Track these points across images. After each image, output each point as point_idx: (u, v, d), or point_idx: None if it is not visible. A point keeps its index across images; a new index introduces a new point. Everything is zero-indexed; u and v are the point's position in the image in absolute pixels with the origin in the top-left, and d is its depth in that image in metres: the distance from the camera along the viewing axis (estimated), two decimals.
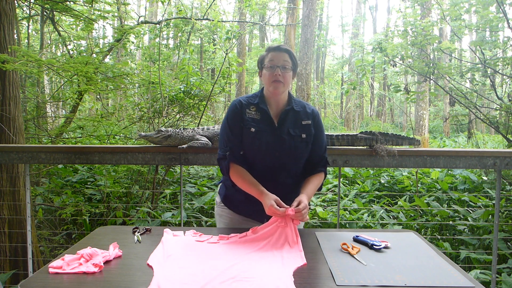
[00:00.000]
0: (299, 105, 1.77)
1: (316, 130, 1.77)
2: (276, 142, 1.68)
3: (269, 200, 1.54)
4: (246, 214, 1.79)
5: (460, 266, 1.39)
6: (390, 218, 4.07)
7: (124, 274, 1.27)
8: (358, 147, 2.38)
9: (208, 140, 2.32)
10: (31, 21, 6.99)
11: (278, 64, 1.66)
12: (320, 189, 1.80)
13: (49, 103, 6.42)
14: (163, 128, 2.38)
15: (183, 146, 2.31)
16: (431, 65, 4.69)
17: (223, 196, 1.86)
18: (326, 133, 2.40)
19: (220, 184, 1.95)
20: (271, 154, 1.67)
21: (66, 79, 4.83)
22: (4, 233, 2.83)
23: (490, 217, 3.65)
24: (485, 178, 4.66)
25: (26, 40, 8.04)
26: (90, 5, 4.65)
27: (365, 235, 1.59)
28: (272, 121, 1.71)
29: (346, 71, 18.02)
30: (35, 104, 5.60)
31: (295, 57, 1.73)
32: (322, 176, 1.80)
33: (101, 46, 6.71)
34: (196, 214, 4.06)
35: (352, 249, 1.47)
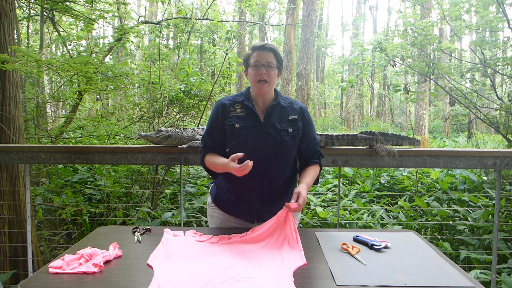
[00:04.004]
0: (286, 101, 1.78)
1: (305, 126, 1.78)
2: (262, 137, 1.69)
3: (229, 163, 1.55)
4: (236, 214, 1.79)
5: (460, 266, 1.39)
6: (390, 218, 4.07)
7: (124, 274, 1.27)
8: (358, 147, 2.38)
9: None
10: (31, 21, 6.99)
11: (263, 63, 1.67)
12: (316, 182, 1.81)
13: (49, 103, 6.42)
14: (163, 128, 2.38)
15: (183, 146, 2.31)
16: (431, 65, 4.69)
17: (214, 196, 1.87)
18: (326, 133, 2.41)
19: (212, 184, 1.96)
20: (257, 150, 1.68)
21: (66, 79, 4.83)
22: (4, 233, 2.83)
23: (490, 217, 3.64)
24: (485, 178, 4.66)
25: (26, 40, 8.03)
26: (90, 5, 4.65)
27: (365, 235, 1.59)
28: (258, 117, 1.72)
29: (346, 69, 18.02)
30: (35, 104, 5.60)
31: (280, 55, 1.74)
32: (317, 167, 1.81)
33: (101, 46, 6.70)
34: (196, 214, 4.06)
35: (352, 249, 1.47)
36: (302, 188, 1.60)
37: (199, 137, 2.34)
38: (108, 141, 4.61)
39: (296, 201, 1.54)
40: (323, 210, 3.98)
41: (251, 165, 1.48)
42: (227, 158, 1.68)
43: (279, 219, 1.54)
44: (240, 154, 1.52)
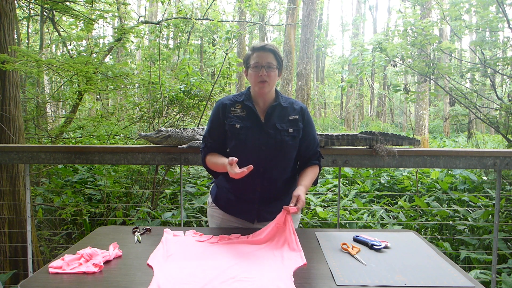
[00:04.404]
0: (286, 102, 1.78)
1: (306, 126, 1.78)
2: (262, 137, 1.69)
3: (227, 166, 1.54)
4: (237, 214, 1.79)
5: (460, 266, 1.39)
6: (390, 218, 4.07)
7: (124, 274, 1.27)
8: (358, 147, 2.38)
9: None
10: (31, 21, 6.99)
11: (263, 64, 1.67)
12: (315, 183, 1.81)
13: (49, 103, 6.42)
14: (163, 128, 2.38)
15: (183, 146, 2.31)
16: (431, 65, 4.68)
17: (214, 196, 1.87)
18: (326, 133, 2.41)
19: (213, 184, 1.96)
20: (257, 149, 1.68)
21: (66, 79, 4.83)
22: (4, 233, 2.83)
23: (490, 217, 3.65)
24: (485, 178, 4.66)
25: (26, 40, 8.04)
26: (90, 5, 4.65)
27: (365, 235, 1.59)
28: (258, 117, 1.72)
29: (346, 69, 18.04)
30: (35, 104, 5.60)
31: (280, 55, 1.74)
32: (317, 168, 1.81)
33: (101, 46, 6.70)
34: (196, 214, 4.06)
35: (352, 249, 1.47)
36: (301, 191, 1.60)
37: (199, 137, 2.34)
38: (108, 141, 4.61)
39: (295, 204, 1.54)
40: (323, 210, 3.98)
41: (248, 171, 1.48)
42: (228, 158, 1.69)
43: (278, 223, 1.54)
44: (235, 159, 1.51)
